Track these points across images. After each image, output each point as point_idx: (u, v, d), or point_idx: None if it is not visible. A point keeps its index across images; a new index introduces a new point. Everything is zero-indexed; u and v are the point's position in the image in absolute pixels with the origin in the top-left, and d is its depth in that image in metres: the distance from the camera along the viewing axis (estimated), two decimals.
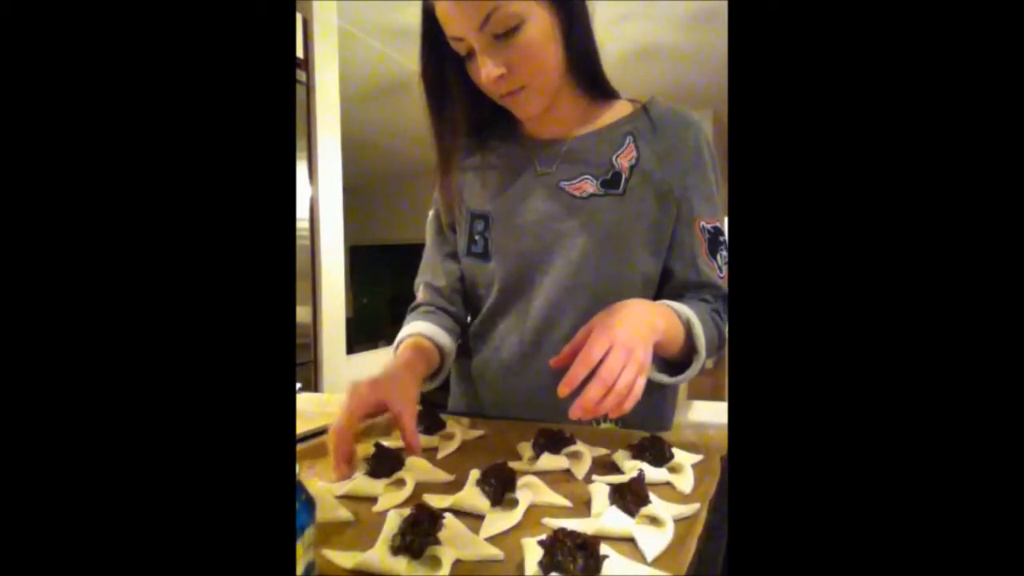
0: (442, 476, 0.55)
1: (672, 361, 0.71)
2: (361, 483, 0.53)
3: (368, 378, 0.63)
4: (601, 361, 0.52)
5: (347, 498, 0.51)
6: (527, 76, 0.68)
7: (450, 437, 0.66)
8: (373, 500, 0.50)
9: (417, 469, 0.55)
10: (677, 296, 0.75)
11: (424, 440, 0.65)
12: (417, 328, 0.79)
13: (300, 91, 2.27)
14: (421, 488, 0.52)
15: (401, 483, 0.52)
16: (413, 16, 0.72)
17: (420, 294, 0.88)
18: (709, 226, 0.76)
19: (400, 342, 0.78)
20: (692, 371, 0.69)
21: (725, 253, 0.77)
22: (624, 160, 0.76)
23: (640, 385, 0.53)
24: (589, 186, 0.76)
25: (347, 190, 2.54)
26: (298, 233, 2.26)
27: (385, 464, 0.54)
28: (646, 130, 0.77)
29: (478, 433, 0.69)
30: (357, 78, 4.06)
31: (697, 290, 0.76)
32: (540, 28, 0.66)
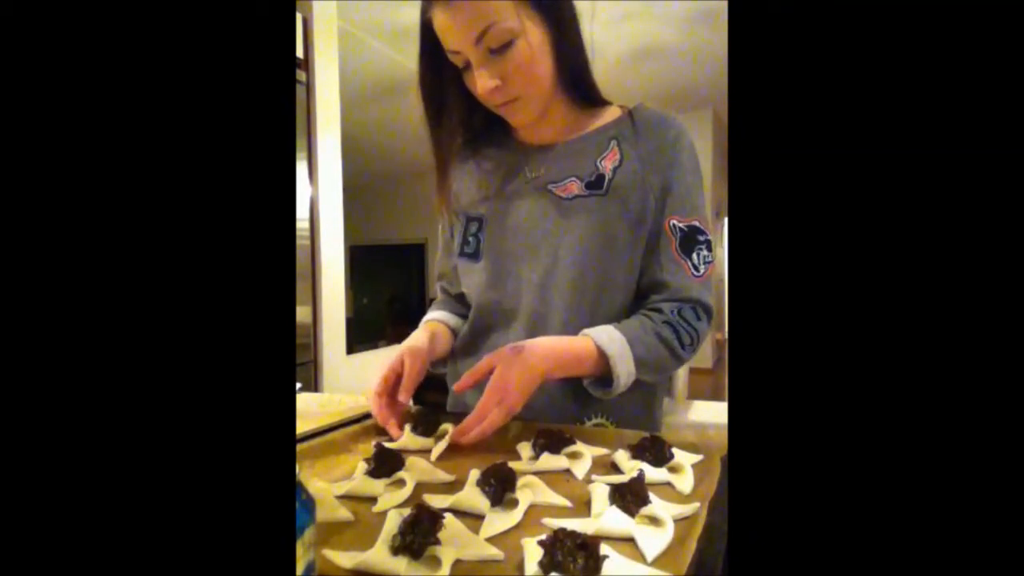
0: (442, 476, 0.55)
1: (605, 377, 0.73)
2: (361, 483, 0.53)
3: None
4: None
5: (347, 498, 0.51)
6: (520, 88, 0.72)
7: (446, 436, 0.66)
8: (373, 500, 0.50)
9: (417, 469, 0.55)
10: (643, 295, 0.78)
11: (422, 441, 0.66)
12: (431, 316, 0.92)
13: (300, 91, 2.27)
14: (421, 488, 0.52)
15: (401, 483, 0.52)
16: (413, 16, 0.73)
17: (437, 291, 0.98)
18: (682, 224, 0.77)
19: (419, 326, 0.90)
20: (616, 388, 0.72)
21: (706, 252, 0.77)
22: (608, 163, 0.79)
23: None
24: (575, 187, 0.79)
25: (347, 190, 2.54)
26: (298, 233, 2.27)
27: (385, 464, 0.54)
28: (630, 134, 0.80)
29: None
30: (357, 78, 4.07)
31: (659, 290, 0.76)
32: (533, 43, 0.70)
